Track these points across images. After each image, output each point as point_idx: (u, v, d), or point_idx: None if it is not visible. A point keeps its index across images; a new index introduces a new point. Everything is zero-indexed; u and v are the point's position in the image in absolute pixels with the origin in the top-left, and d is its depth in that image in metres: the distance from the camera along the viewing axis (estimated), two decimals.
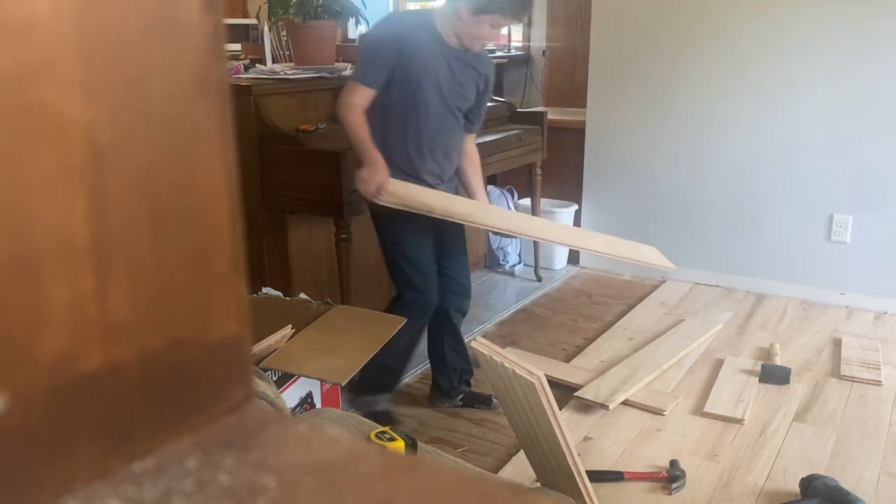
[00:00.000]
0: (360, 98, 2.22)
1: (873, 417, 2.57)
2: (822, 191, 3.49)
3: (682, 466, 2.22)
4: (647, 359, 2.91)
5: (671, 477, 2.18)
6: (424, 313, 2.45)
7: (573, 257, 4.15)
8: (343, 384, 2.25)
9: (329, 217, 2.72)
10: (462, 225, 2.43)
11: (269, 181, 2.77)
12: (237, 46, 5.54)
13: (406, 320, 2.24)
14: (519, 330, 3.33)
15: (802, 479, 2.11)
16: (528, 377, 1.73)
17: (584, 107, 4.02)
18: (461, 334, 2.66)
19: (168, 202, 0.32)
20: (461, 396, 2.68)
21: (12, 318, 0.28)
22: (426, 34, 2.27)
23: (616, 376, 2.75)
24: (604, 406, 2.55)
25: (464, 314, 2.65)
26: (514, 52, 5.67)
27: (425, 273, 2.43)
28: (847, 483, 2.12)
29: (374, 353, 2.08)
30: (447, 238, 2.50)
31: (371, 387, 2.53)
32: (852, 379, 2.80)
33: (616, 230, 2.72)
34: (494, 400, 2.54)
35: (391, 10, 5.99)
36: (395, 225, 2.38)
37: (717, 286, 3.78)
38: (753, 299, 3.61)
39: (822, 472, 2.16)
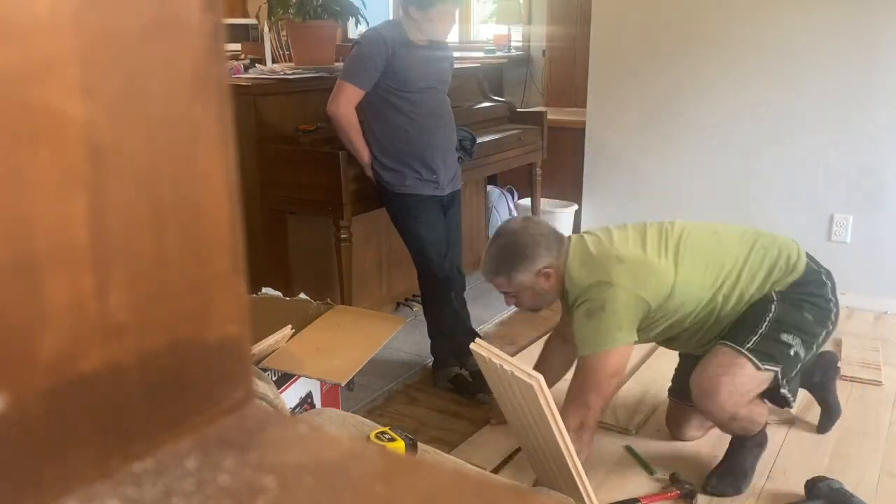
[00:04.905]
0: None
1: (873, 418, 2.57)
2: (822, 191, 3.49)
3: (682, 477, 2.19)
4: (656, 372, 2.83)
5: (686, 493, 2.14)
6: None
7: None
8: (343, 384, 2.25)
9: (329, 217, 2.72)
10: (459, 213, 2.79)
11: (268, 181, 2.77)
12: (237, 46, 5.54)
13: (404, 320, 2.39)
14: (519, 330, 3.33)
15: (808, 481, 2.11)
16: (527, 379, 1.73)
17: (584, 107, 4.02)
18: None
19: (168, 202, 0.32)
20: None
21: (12, 318, 0.28)
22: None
23: (630, 397, 2.66)
24: (626, 430, 2.46)
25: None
26: (514, 52, 5.66)
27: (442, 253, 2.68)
28: (847, 483, 2.11)
29: (375, 352, 2.08)
30: (452, 224, 2.75)
31: (443, 359, 2.78)
32: (852, 379, 2.79)
33: None
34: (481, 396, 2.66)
35: (391, 9, 5.99)
36: (412, 215, 2.63)
37: None
38: None
39: (822, 473, 2.16)
